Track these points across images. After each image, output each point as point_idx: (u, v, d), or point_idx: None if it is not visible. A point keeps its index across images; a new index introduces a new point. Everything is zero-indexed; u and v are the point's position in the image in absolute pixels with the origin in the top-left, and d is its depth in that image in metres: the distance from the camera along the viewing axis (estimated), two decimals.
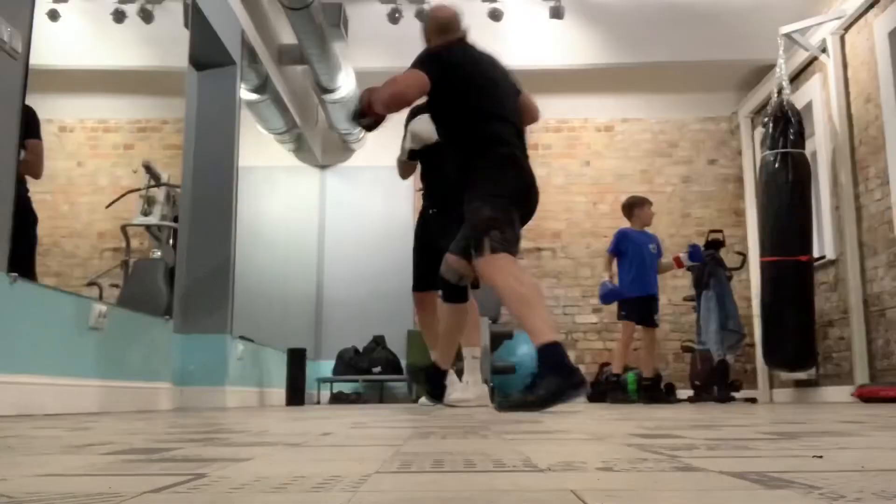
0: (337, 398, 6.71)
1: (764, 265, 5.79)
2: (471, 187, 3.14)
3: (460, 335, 3.80)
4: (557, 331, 2.95)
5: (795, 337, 5.56)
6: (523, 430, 1.54)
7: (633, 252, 5.63)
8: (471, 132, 3.22)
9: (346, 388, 6.93)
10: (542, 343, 2.73)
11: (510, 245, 3.01)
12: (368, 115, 3.17)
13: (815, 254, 5.84)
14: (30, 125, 2.80)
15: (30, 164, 2.83)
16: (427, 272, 4.03)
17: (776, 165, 5.60)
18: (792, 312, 5.54)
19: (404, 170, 4.30)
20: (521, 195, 3.15)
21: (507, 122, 3.21)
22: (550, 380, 2.65)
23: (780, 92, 5.83)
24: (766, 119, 5.79)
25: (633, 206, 5.83)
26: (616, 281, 5.70)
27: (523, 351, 5.93)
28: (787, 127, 5.59)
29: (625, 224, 5.88)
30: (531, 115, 3.47)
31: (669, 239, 7.21)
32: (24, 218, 2.76)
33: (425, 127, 3.78)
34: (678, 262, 5.92)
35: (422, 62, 3.16)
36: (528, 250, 7.57)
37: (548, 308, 3.00)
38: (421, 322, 4.32)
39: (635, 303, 5.57)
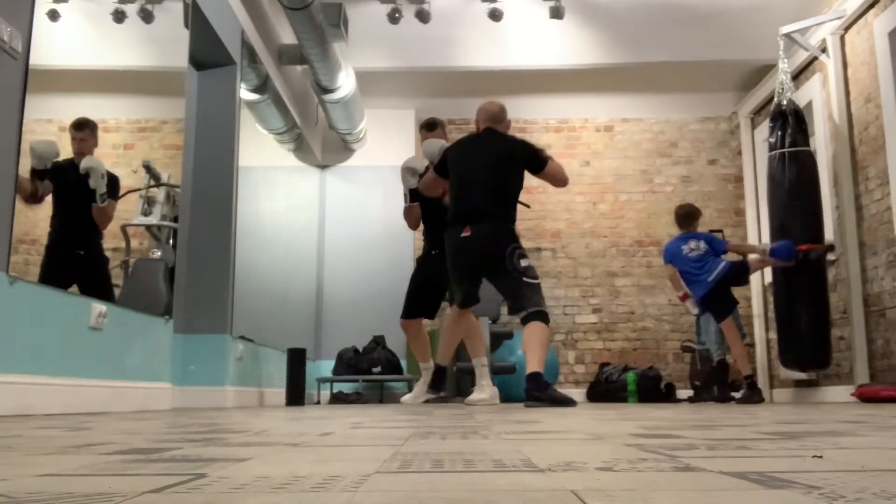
0: (337, 398, 6.70)
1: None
2: None
3: (460, 337, 4.48)
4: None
5: (810, 330, 5.56)
6: (523, 431, 1.54)
7: (677, 264, 5.78)
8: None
9: (346, 388, 6.92)
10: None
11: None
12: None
13: None
14: (114, 187, 3.42)
15: (103, 217, 3.45)
16: (420, 305, 4.77)
17: (793, 157, 5.66)
18: (807, 303, 5.57)
19: (409, 215, 4.78)
20: (453, 261, 4.10)
21: (470, 198, 4.00)
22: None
23: (782, 91, 5.83)
24: (771, 119, 5.82)
25: (681, 217, 5.98)
26: (683, 290, 5.84)
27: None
28: (798, 124, 5.67)
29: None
30: (555, 183, 4.35)
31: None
32: (104, 261, 3.52)
33: (408, 165, 4.65)
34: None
35: (438, 161, 4.26)
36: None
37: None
38: (412, 342, 4.92)
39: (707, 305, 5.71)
